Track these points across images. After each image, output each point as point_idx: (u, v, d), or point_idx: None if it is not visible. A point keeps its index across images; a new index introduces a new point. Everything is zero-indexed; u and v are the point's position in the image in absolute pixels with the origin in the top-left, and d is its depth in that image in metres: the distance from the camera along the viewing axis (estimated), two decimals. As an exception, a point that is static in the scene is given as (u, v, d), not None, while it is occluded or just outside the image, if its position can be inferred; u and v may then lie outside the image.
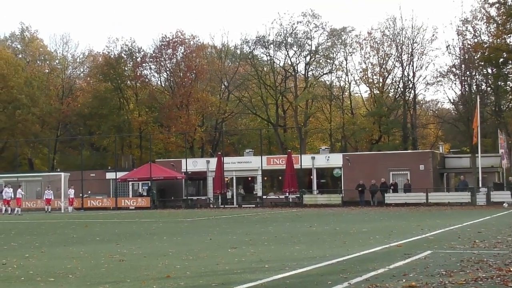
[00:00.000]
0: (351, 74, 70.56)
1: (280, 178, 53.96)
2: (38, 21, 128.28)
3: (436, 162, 52.57)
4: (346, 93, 70.98)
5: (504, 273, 10.15)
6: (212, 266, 11.97)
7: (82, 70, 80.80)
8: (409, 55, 64.56)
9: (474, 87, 56.01)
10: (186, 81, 69.21)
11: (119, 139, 67.59)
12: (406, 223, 25.05)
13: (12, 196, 47.17)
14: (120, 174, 55.39)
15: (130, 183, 57.18)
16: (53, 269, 11.93)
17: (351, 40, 68.26)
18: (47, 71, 77.23)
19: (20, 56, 77.63)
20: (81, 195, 53.14)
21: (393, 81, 67.95)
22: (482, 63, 54.91)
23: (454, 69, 57.34)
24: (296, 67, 69.36)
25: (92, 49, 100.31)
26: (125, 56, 72.78)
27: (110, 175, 57.23)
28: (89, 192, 55.56)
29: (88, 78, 77.95)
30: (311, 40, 67.46)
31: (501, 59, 53.87)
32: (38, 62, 78.54)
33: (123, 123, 71.07)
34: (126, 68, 73.29)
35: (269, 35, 68.83)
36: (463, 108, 55.73)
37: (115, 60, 71.57)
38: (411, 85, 65.64)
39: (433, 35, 64.26)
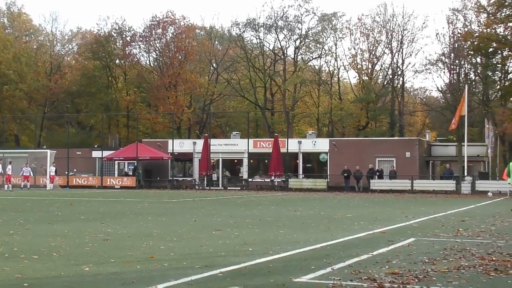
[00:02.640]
0: (340, 60, 70.56)
1: (266, 161, 53.96)
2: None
3: (422, 150, 52.74)
4: (335, 78, 71.02)
5: (486, 262, 10.22)
6: (196, 248, 12.00)
7: (71, 47, 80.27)
8: (399, 42, 64.73)
9: (463, 76, 56.25)
10: (175, 61, 68.87)
11: (106, 118, 67.37)
12: (391, 210, 25.17)
13: (2, 171, 47.14)
14: (106, 153, 55.22)
15: (116, 162, 57.03)
16: (37, 247, 11.91)
17: (341, 26, 68.39)
18: (35, 47, 76.59)
19: (7, 31, 76.83)
20: (66, 172, 53.01)
21: (382, 68, 68.18)
22: (472, 53, 55.10)
23: (443, 58, 57.55)
24: (285, 51, 69.35)
25: (81, 27, 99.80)
26: (115, 35, 72.27)
27: (96, 154, 57.06)
28: (75, 170, 55.38)
29: (77, 56, 77.34)
30: (301, 24, 67.51)
31: (491, 49, 54.13)
32: (25, 37, 77.77)
33: (110, 101, 70.84)
34: (115, 47, 72.84)
35: (259, 17, 68.77)
36: (451, 97, 55.92)
37: (104, 38, 71.07)
38: (399, 72, 65.89)
39: (424, 22, 65.00)
